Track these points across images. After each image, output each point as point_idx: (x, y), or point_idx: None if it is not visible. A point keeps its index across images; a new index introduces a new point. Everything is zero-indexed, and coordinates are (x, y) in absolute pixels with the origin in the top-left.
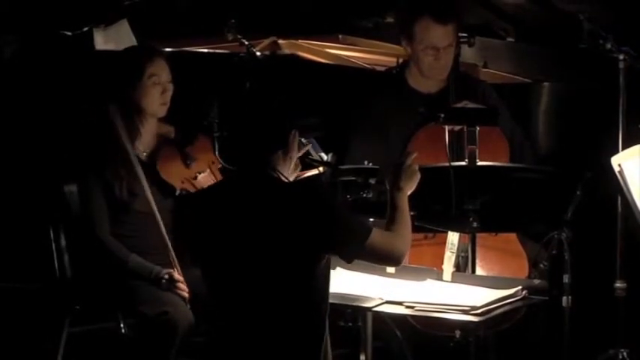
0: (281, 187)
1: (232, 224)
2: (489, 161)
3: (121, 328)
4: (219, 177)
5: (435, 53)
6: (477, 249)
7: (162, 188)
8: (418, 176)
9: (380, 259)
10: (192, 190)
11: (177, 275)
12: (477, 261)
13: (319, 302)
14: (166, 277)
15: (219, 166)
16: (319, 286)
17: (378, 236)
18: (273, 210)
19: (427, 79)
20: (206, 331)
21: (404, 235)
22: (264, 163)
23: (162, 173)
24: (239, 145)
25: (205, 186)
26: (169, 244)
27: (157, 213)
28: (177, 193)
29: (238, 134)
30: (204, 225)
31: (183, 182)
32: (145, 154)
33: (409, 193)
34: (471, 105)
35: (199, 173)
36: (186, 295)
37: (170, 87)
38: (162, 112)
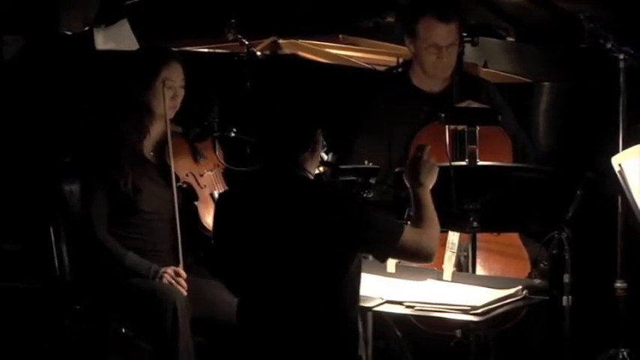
0: (313, 187)
1: (266, 225)
2: (492, 161)
3: (121, 328)
4: (222, 179)
5: (438, 52)
6: (479, 252)
7: (167, 179)
8: (437, 170)
9: (411, 257)
10: (194, 184)
11: (182, 271)
12: (478, 261)
13: (353, 301)
14: (169, 271)
15: (223, 168)
16: (352, 286)
17: (409, 234)
18: (307, 210)
19: (430, 78)
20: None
21: (433, 231)
22: (294, 164)
23: (168, 161)
24: (269, 146)
25: (208, 185)
26: (179, 240)
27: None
28: (179, 184)
29: (268, 136)
30: (236, 225)
31: (187, 175)
32: (152, 153)
33: (430, 187)
34: (474, 104)
35: (206, 171)
36: (184, 292)
37: (181, 92)
38: (170, 115)
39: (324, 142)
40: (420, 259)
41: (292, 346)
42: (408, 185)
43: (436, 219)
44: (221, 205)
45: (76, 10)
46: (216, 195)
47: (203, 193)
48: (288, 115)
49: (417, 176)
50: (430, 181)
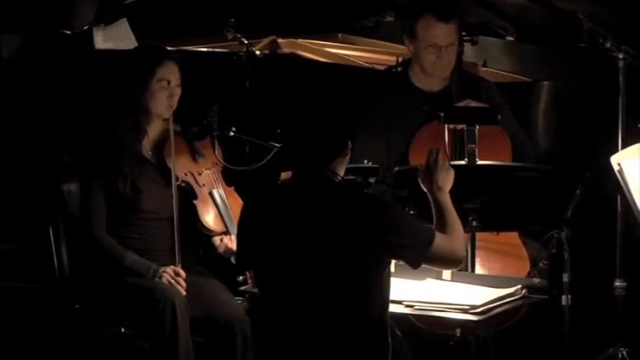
0: (347, 192)
1: (299, 229)
2: (492, 160)
3: (120, 327)
4: (221, 177)
5: (437, 51)
6: (478, 251)
7: (166, 179)
8: (452, 172)
9: (443, 262)
10: (193, 183)
11: (181, 271)
12: (477, 260)
13: (383, 308)
14: (169, 270)
15: (222, 166)
16: (383, 294)
17: (439, 241)
18: (341, 215)
19: (430, 78)
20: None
21: (460, 235)
22: (328, 169)
23: (168, 161)
24: (304, 152)
25: (207, 183)
26: (177, 242)
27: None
28: (178, 183)
29: (304, 142)
30: (267, 228)
31: (186, 174)
32: (150, 153)
33: (448, 189)
34: (473, 104)
35: (205, 170)
36: (183, 292)
37: (178, 91)
38: (167, 114)
39: (350, 145)
40: (451, 264)
41: (320, 352)
42: (426, 191)
43: (459, 221)
44: (251, 206)
45: (88, 5)
46: (214, 193)
47: (202, 192)
48: (325, 125)
49: (435, 180)
50: (448, 184)
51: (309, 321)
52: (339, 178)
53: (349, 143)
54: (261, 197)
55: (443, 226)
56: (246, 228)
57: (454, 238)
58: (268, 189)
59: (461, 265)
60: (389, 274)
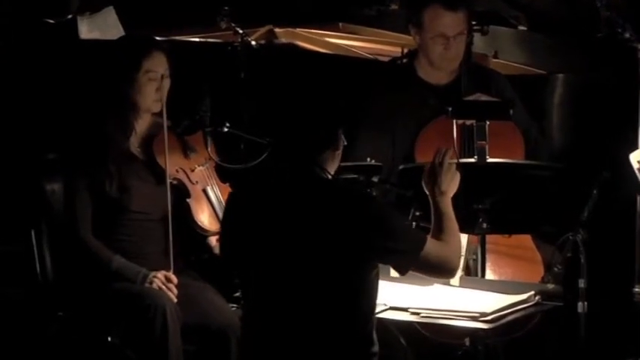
0: (332, 189)
1: (283, 227)
2: (503, 158)
3: (107, 336)
4: (215, 174)
5: (445, 42)
6: (489, 255)
7: (156, 177)
8: (458, 176)
9: (433, 271)
10: (185, 181)
11: (173, 276)
12: (488, 264)
13: (369, 313)
14: (160, 276)
15: (214, 163)
16: (370, 296)
17: (432, 247)
18: (325, 213)
19: (437, 70)
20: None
21: (455, 244)
22: (315, 164)
23: (158, 157)
24: (288, 143)
25: (200, 181)
26: (171, 245)
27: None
28: (170, 181)
29: (288, 132)
30: (250, 226)
31: (178, 171)
32: (139, 149)
33: (452, 195)
34: (483, 97)
35: (197, 166)
36: (174, 298)
37: (167, 82)
38: (156, 108)
39: (345, 142)
40: (442, 273)
41: (305, 354)
42: (427, 193)
43: (457, 230)
44: (233, 203)
45: None
46: (209, 191)
47: (195, 190)
48: (310, 111)
49: (439, 184)
50: (452, 189)
51: (293, 323)
52: (330, 175)
53: (341, 136)
54: (244, 194)
55: (440, 232)
56: (228, 227)
57: (449, 246)
58: (252, 185)
59: (453, 277)
60: (377, 276)
